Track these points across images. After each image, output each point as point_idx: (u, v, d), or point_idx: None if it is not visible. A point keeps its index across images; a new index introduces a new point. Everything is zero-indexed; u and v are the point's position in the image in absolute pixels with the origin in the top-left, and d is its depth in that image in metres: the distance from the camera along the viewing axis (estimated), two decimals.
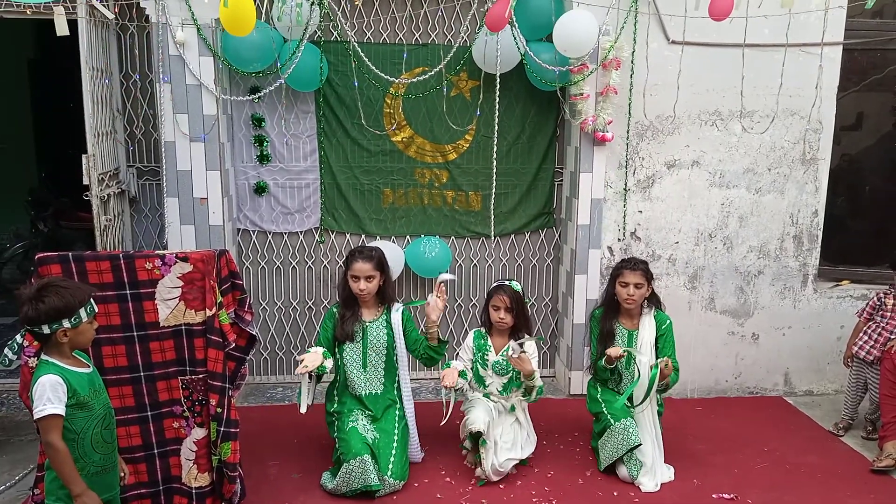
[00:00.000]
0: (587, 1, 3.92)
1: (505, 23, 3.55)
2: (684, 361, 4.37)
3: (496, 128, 4.17)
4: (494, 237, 4.61)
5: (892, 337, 3.82)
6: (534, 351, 3.57)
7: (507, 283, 3.63)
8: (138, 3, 3.83)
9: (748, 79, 4.04)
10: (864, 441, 3.98)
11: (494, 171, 4.35)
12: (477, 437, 3.43)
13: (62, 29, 3.36)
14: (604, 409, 3.57)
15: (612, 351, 3.51)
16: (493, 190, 4.43)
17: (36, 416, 2.31)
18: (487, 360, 3.63)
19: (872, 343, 3.92)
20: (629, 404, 3.54)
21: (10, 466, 3.52)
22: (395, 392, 3.60)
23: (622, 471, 3.47)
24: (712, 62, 4.18)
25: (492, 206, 4.48)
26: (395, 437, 3.42)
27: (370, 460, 3.24)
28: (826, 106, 4.31)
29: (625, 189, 4.30)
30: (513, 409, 3.62)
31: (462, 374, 3.55)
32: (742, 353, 4.58)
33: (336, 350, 3.56)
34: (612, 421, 3.47)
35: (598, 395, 3.66)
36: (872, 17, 4.29)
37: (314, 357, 3.36)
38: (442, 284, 3.50)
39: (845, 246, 4.75)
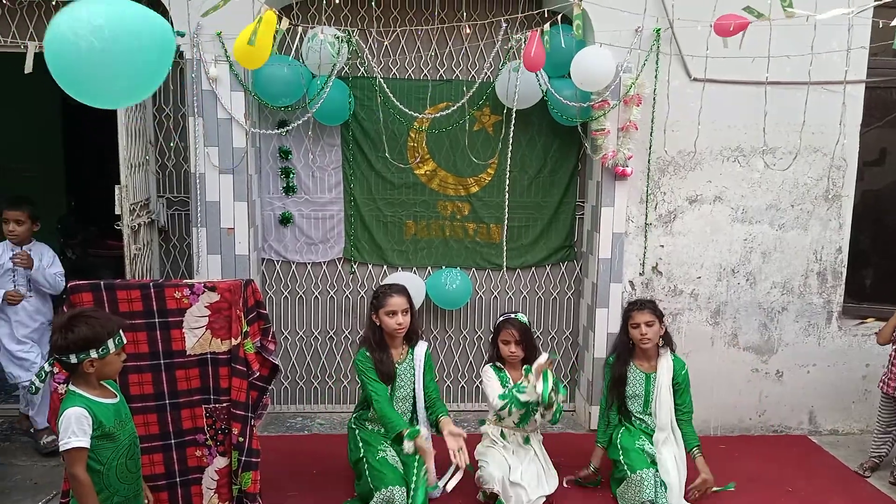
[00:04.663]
0: (609, 41, 3.98)
1: (541, 62, 3.60)
2: (707, 398, 4.34)
3: (508, 161, 4.24)
4: (505, 269, 4.62)
5: None
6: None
7: (513, 315, 3.64)
8: None
9: (770, 116, 4.05)
10: (890, 485, 3.89)
11: (507, 203, 4.38)
12: (493, 498, 3.42)
13: (28, 66, 3.39)
14: (621, 457, 3.53)
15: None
16: (506, 222, 4.46)
17: (61, 449, 2.35)
18: None
19: (891, 376, 3.89)
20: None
21: (34, 492, 3.56)
22: (416, 423, 3.56)
23: None
24: (734, 99, 4.21)
25: (504, 238, 4.50)
26: (415, 472, 3.39)
27: (404, 493, 3.22)
28: (849, 143, 4.30)
29: (646, 223, 4.32)
30: (527, 441, 3.60)
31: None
32: (766, 390, 4.52)
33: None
34: (628, 472, 3.44)
35: (618, 441, 3.61)
36: (895, 55, 4.30)
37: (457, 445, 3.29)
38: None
39: (870, 283, 4.71)
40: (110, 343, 2.40)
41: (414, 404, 3.56)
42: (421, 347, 3.59)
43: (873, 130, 4.49)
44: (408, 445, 3.18)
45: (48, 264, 3.98)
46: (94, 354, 2.37)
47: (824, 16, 2.92)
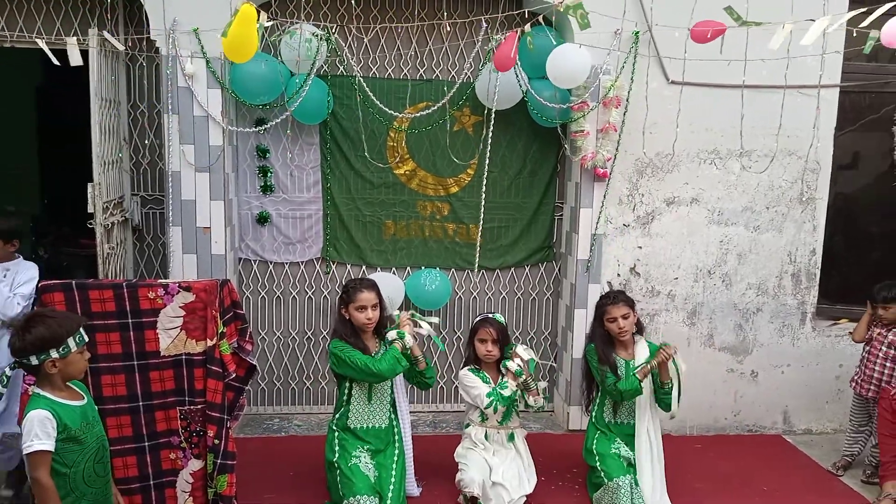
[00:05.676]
0: (588, 42, 3.99)
1: (512, 63, 3.60)
2: (683, 398, 4.37)
3: (487, 161, 4.21)
4: (484, 269, 4.62)
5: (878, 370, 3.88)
6: (529, 355, 3.56)
7: (490, 315, 3.65)
8: (149, 35, 3.90)
9: (747, 119, 4.09)
10: (863, 483, 3.95)
11: (483, 204, 4.32)
12: (474, 501, 3.41)
13: (76, 59, 3.39)
14: (598, 464, 3.54)
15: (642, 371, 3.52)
16: (481, 223, 4.39)
17: (24, 452, 2.30)
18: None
19: (863, 377, 3.95)
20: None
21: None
22: (396, 422, 3.56)
23: None
24: (711, 102, 4.25)
25: (479, 238, 4.47)
26: (394, 472, 3.39)
27: (374, 502, 3.20)
28: (823, 146, 4.37)
29: (595, 225, 4.34)
30: (511, 438, 3.60)
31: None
32: (741, 390, 4.57)
33: (347, 384, 3.48)
34: (605, 480, 3.46)
35: (594, 447, 3.61)
36: (868, 60, 4.37)
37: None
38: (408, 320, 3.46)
39: (843, 284, 4.77)
40: (70, 342, 2.35)
41: (392, 394, 3.53)
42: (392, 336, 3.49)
43: (847, 134, 4.56)
44: (408, 339, 3.34)
45: (18, 283, 3.31)
46: (54, 354, 2.32)
47: (807, 40, 2.96)
